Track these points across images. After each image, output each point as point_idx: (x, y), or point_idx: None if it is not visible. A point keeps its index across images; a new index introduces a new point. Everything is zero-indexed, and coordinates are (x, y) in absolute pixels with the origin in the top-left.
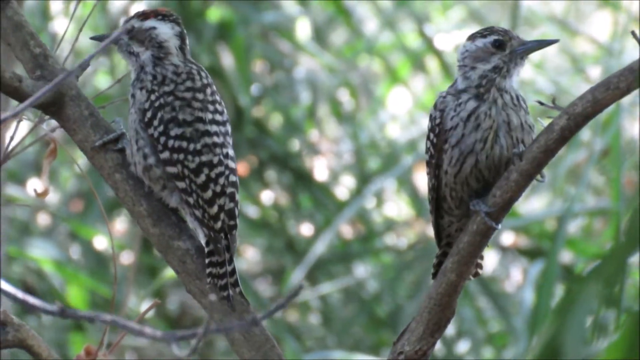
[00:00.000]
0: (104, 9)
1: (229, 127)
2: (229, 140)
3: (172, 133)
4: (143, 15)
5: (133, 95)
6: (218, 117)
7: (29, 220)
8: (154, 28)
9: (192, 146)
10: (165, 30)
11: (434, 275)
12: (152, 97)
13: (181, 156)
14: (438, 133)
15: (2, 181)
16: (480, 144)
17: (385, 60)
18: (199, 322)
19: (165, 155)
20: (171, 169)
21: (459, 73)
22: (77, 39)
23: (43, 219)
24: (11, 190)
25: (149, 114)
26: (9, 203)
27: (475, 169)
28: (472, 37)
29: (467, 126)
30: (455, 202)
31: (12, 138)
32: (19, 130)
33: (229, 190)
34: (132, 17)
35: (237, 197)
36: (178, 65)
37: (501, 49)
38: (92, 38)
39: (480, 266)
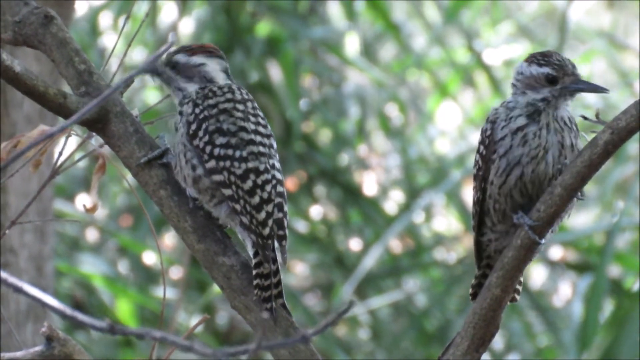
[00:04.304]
0: (153, 25)
1: (273, 142)
2: (275, 153)
3: (218, 142)
4: (191, 51)
5: (180, 112)
6: (261, 129)
7: (78, 236)
8: (204, 64)
9: (237, 153)
10: (213, 67)
11: (473, 296)
12: (197, 110)
13: (227, 163)
14: (488, 144)
15: (51, 197)
16: (527, 158)
17: (434, 75)
18: (249, 337)
19: (212, 164)
20: (217, 177)
21: (512, 90)
22: (125, 54)
23: (92, 234)
24: (60, 205)
25: (193, 126)
26: (58, 218)
27: (520, 182)
28: (529, 60)
29: (515, 139)
30: (498, 215)
31: (60, 154)
32: (68, 146)
33: (277, 200)
34: (178, 51)
35: (286, 208)
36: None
37: (553, 83)
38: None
39: (517, 291)
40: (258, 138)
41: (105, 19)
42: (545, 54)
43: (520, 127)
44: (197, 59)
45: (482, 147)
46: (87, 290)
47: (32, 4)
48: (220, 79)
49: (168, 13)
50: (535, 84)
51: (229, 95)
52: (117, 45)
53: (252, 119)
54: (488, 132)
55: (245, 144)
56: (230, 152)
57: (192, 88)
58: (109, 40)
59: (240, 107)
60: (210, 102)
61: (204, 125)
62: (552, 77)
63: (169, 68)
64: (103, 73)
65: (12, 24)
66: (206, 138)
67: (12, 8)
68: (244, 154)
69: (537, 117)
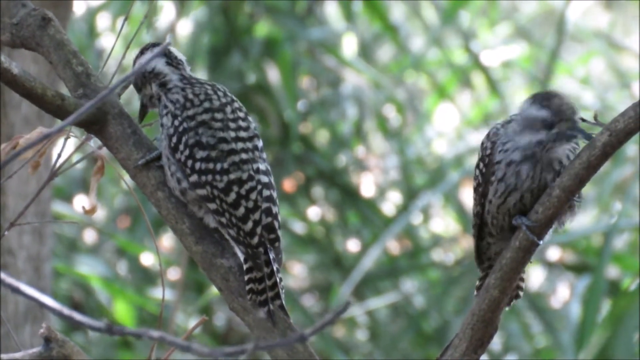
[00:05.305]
0: (151, 26)
1: (257, 142)
2: (260, 154)
3: (198, 156)
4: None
5: (162, 125)
6: (242, 134)
7: (77, 237)
8: (141, 65)
9: (219, 166)
10: (149, 60)
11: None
12: (176, 122)
13: (209, 177)
14: (487, 163)
15: (49, 198)
16: (523, 188)
17: (431, 76)
18: (246, 338)
19: (194, 178)
20: (201, 191)
21: (514, 121)
22: (124, 56)
23: (90, 236)
24: (59, 207)
25: (174, 139)
26: (56, 220)
27: (520, 203)
28: (532, 98)
29: (508, 170)
30: (495, 229)
31: (59, 155)
32: (66, 148)
33: (264, 205)
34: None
35: (275, 210)
36: (183, 86)
37: (549, 128)
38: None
39: (520, 288)
40: (239, 145)
41: (103, 20)
42: (548, 96)
43: (514, 161)
44: (135, 66)
45: (482, 164)
46: (85, 292)
47: (29, 5)
48: (160, 67)
49: (166, 14)
50: (533, 123)
51: (206, 105)
52: (115, 47)
53: (232, 125)
54: (488, 151)
55: (225, 155)
56: (211, 165)
57: (154, 89)
58: (107, 41)
59: (219, 115)
60: (189, 113)
61: (183, 139)
62: (548, 123)
63: (140, 88)
64: (101, 75)
65: (10, 26)
66: (187, 152)
67: (10, 10)
68: (225, 165)
69: (532, 159)
